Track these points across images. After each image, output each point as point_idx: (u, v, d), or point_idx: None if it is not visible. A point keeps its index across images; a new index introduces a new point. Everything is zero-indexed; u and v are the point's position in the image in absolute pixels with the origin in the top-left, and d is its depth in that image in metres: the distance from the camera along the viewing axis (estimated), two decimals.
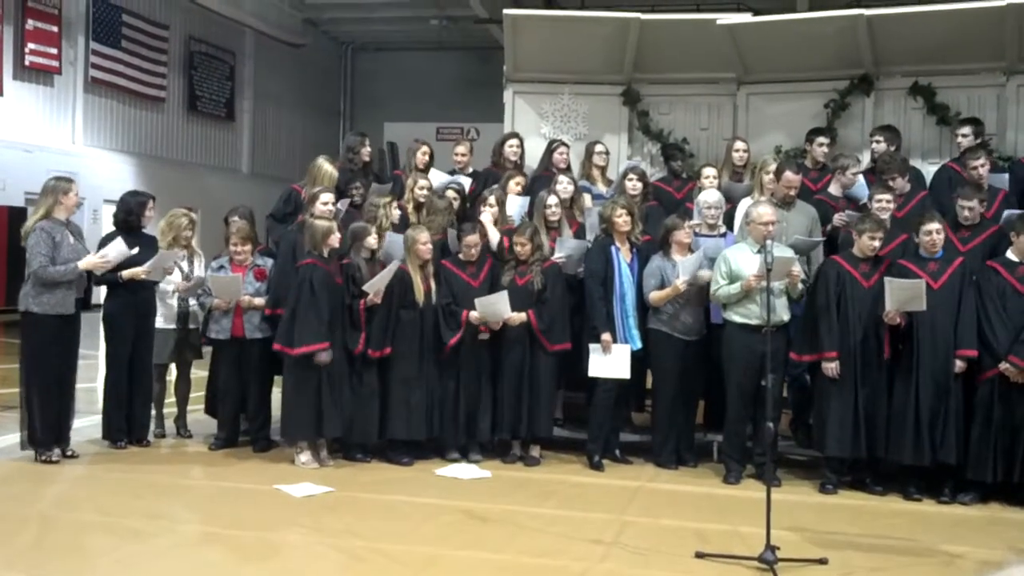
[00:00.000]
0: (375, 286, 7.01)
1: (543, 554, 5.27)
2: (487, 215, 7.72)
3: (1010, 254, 6.50)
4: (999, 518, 6.21)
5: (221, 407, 7.62)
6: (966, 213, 6.91)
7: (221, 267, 7.58)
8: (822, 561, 5.12)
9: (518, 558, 5.20)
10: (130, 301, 7.31)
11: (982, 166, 7.37)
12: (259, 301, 7.41)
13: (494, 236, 7.60)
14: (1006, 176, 7.62)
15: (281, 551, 5.31)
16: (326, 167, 7.89)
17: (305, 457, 7.02)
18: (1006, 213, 7.02)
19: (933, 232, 6.57)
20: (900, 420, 6.53)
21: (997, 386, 6.36)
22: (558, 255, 7.43)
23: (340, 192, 7.91)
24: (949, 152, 8.25)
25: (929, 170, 8.10)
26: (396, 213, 7.50)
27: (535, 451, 7.38)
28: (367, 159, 8.51)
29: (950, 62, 8.35)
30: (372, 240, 7.19)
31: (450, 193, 7.97)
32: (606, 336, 7.12)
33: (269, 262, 7.61)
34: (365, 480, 6.76)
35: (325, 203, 7.31)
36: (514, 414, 7.25)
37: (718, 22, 8.72)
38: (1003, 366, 6.26)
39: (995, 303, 6.42)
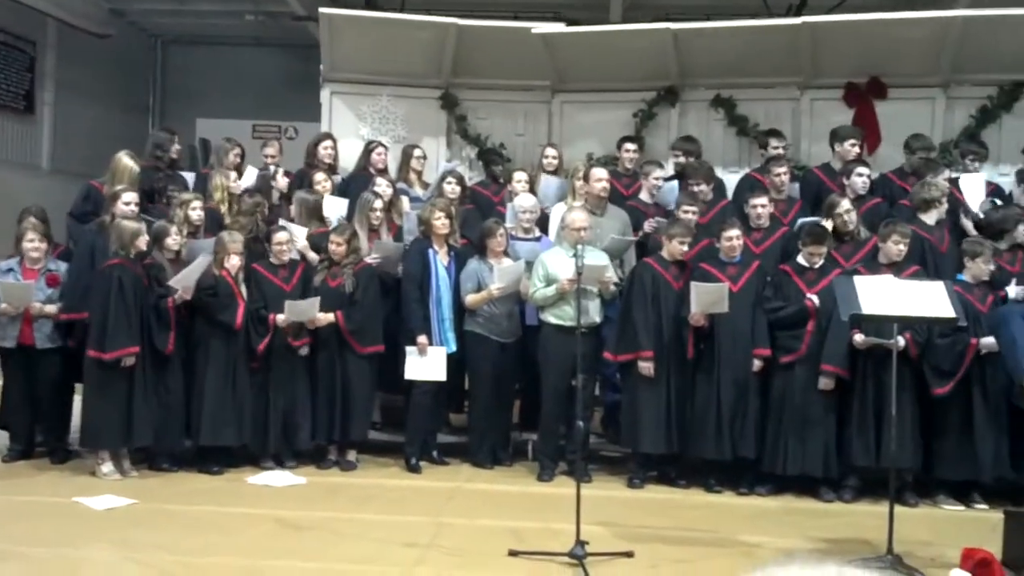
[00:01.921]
0: (182, 281, 6.77)
1: (359, 560, 5.24)
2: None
3: (800, 259, 6.93)
4: (793, 508, 6.60)
5: (13, 419, 7.22)
6: (759, 211, 7.32)
7: (10, 270, 7.16)
8: (628, 554, 5.31)
9: (333, 566, 5.15)
10: None
11: (785, 174, 7.83)
12: (51, 309, 7.04)
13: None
14: (796, 185, 8.12)
15: (82, 568, 5.08)
16: (125, 161, 7.58)
17: (107, 468, 6.73)
18: (801, 221, 7.47)
19: (733, 238, 6.93)
20: (703, 417, 6.84)
21: (789, 383, 6.76)
22: (372, 257, 7.41)
23: (148, 192, 7.64)
24: (749, 162, 8.71)
25: (729, 178, 8.52)
26: (198, 214, 7.28)
27: (351, 455, 7.32)
28: (176, 157, 8.23)
29: (750, 76, 8.81)
30: (171, 241, 6.97)
31: (282, 180, 7.83)
32: (422, 338, 7.15)
33: (63, 267, 7.23)
34: (173, 491, 6.54)
35: (127, 203, 7.05)
36: (328, 418, 7.17)
37: (533, 31, 8.89)
38: (823, 381, 6.64)
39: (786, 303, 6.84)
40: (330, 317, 7.10)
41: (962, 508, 6.64)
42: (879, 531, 5.44)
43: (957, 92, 8.55)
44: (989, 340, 6.40)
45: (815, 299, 6.71)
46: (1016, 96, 8.40)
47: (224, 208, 7.67)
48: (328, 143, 8.49)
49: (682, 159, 8.29)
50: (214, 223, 7.48)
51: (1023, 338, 5.01)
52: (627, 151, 8.46)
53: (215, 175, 7.89)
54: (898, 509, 5.51)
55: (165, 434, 6.89)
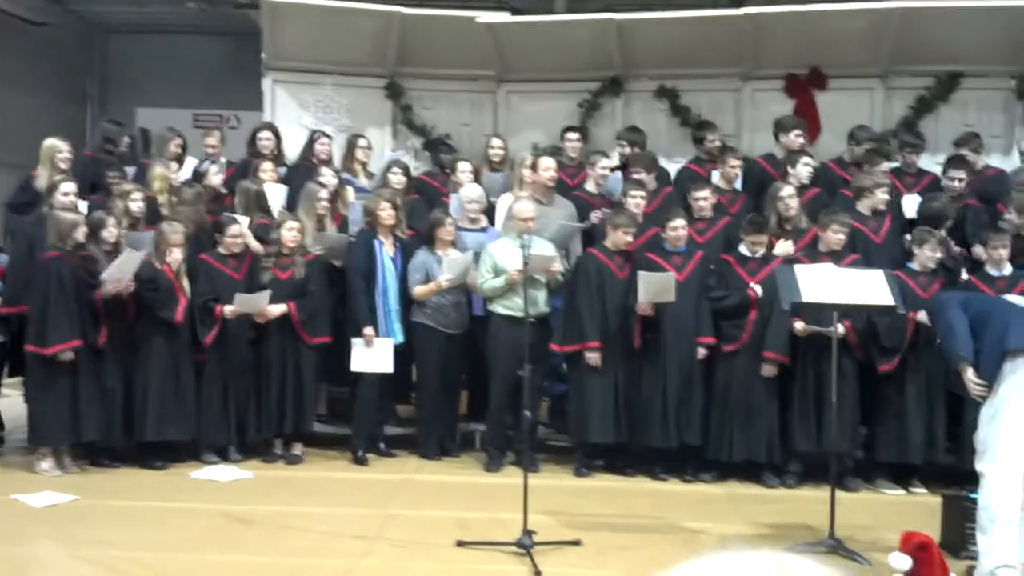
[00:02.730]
0: (114, 275, 6.65)
1: (306, 554, 5.22)
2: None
3: (742, 249, 7.01)
4: (736, 494, 6.69)
5: None
6: (702, 203, 7.39)
7: None
8: (576, 543, 5.36)
9: (280, 560, 5.12)
10: None
11: (739, 166, 7.89)
12: None
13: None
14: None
15: (27, 566, 5.00)
16: (50, 145, 7.43)
17: (47, 464, 6.61)
18: (750, 216, 7.54)
19: (679, 228, 6.99)
20: (649, 405, 6.90)
21: (732, 371, 6.85)
22: (316, 248, 7.35)
23: (94, 186, 7.53)
24: (693, 152, 8.76)
25: (674, 168, 8.56)
26: (139, 205, 7.16)
27: (298, 448, 7.27)
28: (125, 150, 8.12)
29: (693, 66, 8.86)
30: (107, 233, 6.85)
31: (215, 177, 7.69)
32: (368, 330, 7.12)
33: (3, 259, 7.10)
34: (115, 486, 6.44)
35: (66, 193, 6.93)
36: (274, 410, 7.11)
37: (478, 20, 8.86)
38: (765, 369, 6.72)
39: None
40: (282, 308, 7.04)
41: (902, 492, 6.78)
42: (821, 516, 5.54)
43: (895, 83, 8.68)
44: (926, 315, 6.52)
45: (757, 288, 6.79)
46: (952, 87, 8.55)
47: (163, 199, 7.54)
48: (266, 133, 8.36)
49: (627, 149, 8.33)
50: (153, 214, 7.36)
51: (960, 324, 5.11)
52: (570, 140, 8.46)
53: (156, 164, 7.76)
54: (839, 494, 5.63)
55: (111, 429, 6.78)
